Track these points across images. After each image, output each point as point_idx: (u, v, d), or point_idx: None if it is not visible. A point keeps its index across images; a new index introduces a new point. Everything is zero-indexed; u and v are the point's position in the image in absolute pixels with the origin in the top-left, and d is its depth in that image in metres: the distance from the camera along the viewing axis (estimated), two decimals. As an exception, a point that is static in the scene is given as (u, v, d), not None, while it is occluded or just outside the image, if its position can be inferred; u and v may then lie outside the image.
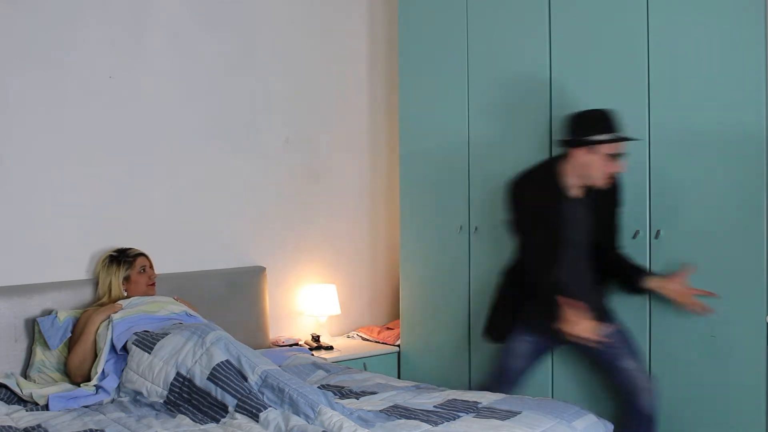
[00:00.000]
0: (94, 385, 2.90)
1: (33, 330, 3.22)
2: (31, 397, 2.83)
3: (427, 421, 2.48)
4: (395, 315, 4.46)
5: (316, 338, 4.04)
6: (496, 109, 3.64)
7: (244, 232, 4.04)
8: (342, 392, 2.92)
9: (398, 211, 4.16)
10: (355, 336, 4.34)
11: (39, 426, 2.54)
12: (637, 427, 2.87)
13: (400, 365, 4.10)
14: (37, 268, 3.35)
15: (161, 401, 2.79)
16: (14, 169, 3.31)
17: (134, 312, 3.14)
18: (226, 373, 2.72)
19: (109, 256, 3.37)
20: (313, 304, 4.17)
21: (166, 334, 2.96)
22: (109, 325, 3.06)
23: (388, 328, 4.37)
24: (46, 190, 3.39)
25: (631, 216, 3.08)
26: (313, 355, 3.68)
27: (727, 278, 2.84)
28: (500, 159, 3.61)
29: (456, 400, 2.76)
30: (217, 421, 2.59)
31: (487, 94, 3.67)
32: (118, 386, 2.92)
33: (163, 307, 3.25)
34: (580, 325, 2.79)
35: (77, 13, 3.46)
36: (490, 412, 2.58)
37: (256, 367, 2.73)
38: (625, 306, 3.08)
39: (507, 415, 2.55)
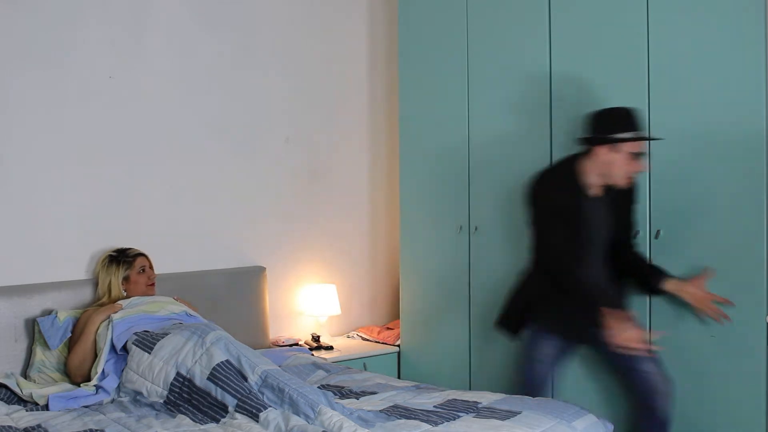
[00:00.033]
0: (94, 385, 2.90)
1: (33, 330, 3.22)
2: (31, 397, 2.83)
3: (427, 421, 2.48)
4: (395, 315, 4.46)
5: (316, 338, 4.04)
6: (496, 109, 3.64)
7: (244, 232, 4.04)
8: (342, 392, 2.91)
9: (398, 211, 4.16)
10: (355, 336, 4.34)
11: (39, 426, 2.54)
12: (650, 431, 2.85)
13: (400, 365, 4.10)
14: (37, 268, 3.35)
15: (161, 401, 2.79)
16: (14, 169, 3.31)
17: (134, 312, 3.14)
18: (226, 373, 2.72)
19: (109, 256, 3.37)
20: (313, 304, 4.17)
21: (166, 334, 2.96)
22: (109, 325, 3.06)
23: (388, 328, 4.37)
24: (46, 190, 3.39)
25: (631, 216, 3.08)
26: (313, 355, 3.68)
27: (727, 278, 2.84)
28: (500, 159, 3.62)
29: (456, 400, 2.76)
30: (217, 421, 2.59)
31: (487, 94, 3.67)
32: (118, 386, 2.92)
33: (163, 307, 3.25)
34: (627, 334, 2.72)
35: (77, 13, 3.46)
36: (490, 412, 2.58)
37: (256, 367, 2.73)
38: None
39: (507, 415, 2.55)
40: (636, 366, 2.87)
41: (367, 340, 4.26)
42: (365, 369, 3.73)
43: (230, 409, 2.61)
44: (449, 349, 3.85)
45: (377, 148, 4.62)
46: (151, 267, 3.42)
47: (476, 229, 3.72)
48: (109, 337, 3.01)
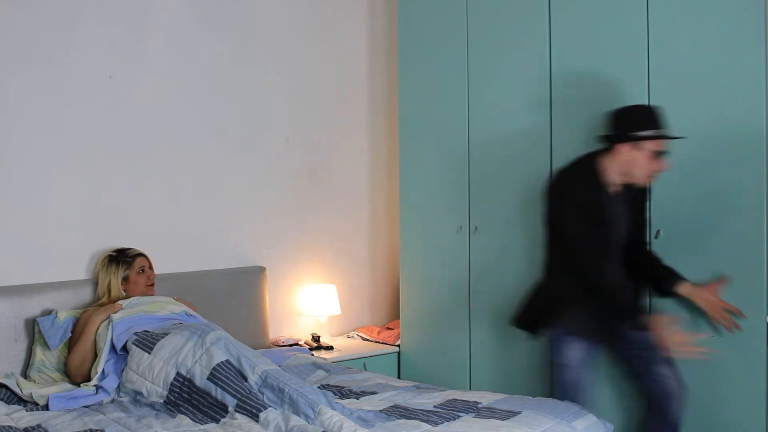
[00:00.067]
0: (94, 385, 2.90)
1: (33, 330, 3.22)
2: (31, 397, 2.83)
3: (427, 421, 2.48)
4: (395, 315, 4.46)
5: (316, 338, 4.04)
6: (496, 109, 3.64)
7: (244, 232, 4.04)
8: (342, 392, 2.92)
9: (398, 211, 4.16)
10: (355, 336, 4.34)
11: (39, 426, 2.54)
12: None
13: (400, 365, 4.10)
14: (37, 268, 3.35)
15: (161, 401, 2.79)
16: (14, 169, 3.31)
17: (134, 312, 3.14)
18: (226, 373, 2.72)
19: (109, 256, 3.37)
20: (313, 304, 4.17)
21: (166, 334, 2.96)
22: (109, 325, 3.06)
23: (388, 328, 4.37)
24: (46, 190, 3.39)
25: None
26: (313, 355, 3.68)
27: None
28: (500, 159, 3.62)
29: (456, 400, 2.76)
30: (217, 421, 2.59)
31: (487, 94, 3.67)
32: (118, 386, 2.92)
33: (163, 307, 3.25)
34: (676, 337, 2.67)
35: (77, 13, 3.46)
36: (490, 412, 2.58)
37: (256, 367, 2.73)
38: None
39: (507, 415, 2.55)
40: (653, 369, 2.84)
41: (367, 340, 4.26)
42: (365, 369, 3.73)
43: (230, 409, 2.61)
44: (449, 349, 3.85)
45: (377, 148, 4.62)
46: (150, 267, 3.42)
47: (476, 229, 3.72)
48: (109, 337, 3.01)
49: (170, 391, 2.79)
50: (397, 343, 4.13)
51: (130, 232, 3.58)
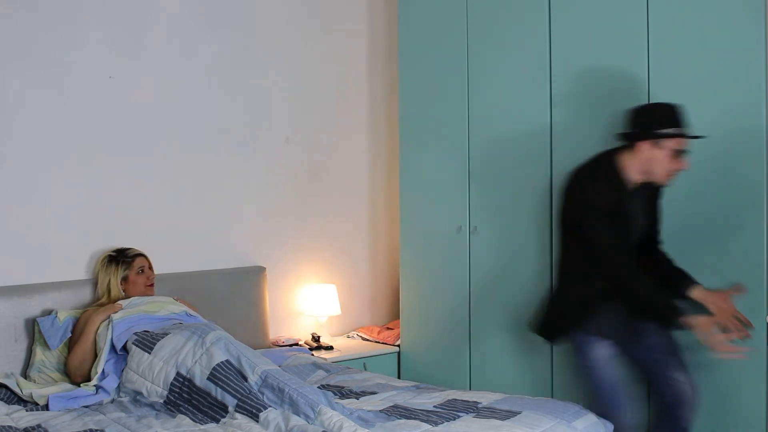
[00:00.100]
0: (94, 385, 2.90)
1: (33, 330, 3.22)
2: (31, 397, 2.83)
3: (427, 421, 2.48)
4: (395, 315, 4.46)
5: (316, 338, 4.04)
6: (495, 109, 3.64)
7: (244, 232, 4.04)
8: (342, 392, 2.91)
9: (398, 211, 4.16)
10: (355, 336, 4.34)
11: (39, 426, 2.54)
12: None
13: (400, 365, 4.10)
14: (37, 268, 3.35)
15: (161, 401, 2.79)
16: (14, 169, 3.31)
17: (134, 312, 3.14)
18: (226, 373, 2.72)
19: (108, 256, 3.37)
20: (313, 304, 4.17)
21: (166, 334, 2.96)
22: (109, 325, 3.06)
23: (388, 328, 4.37)
24: (46, 190, 3.39)
25: (631, 216, 3.07)
26: (313, 355, 3.68)
27: (727, 278, 2.84)
28: (500, 159, 3.62)
29: (456, 400, 2.76)
30: (217, 421, 2.59)
31: (487, 94, 3.67)
32: (118, 386, 2.92)
33: (163, 307, 3.25)
34: (717, 336, 2.60)
35: (77, 13, 3.46)
36: (490, 412, 2.58)
37: (256, 367, 2.73)
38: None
39: (507, 415, 2.55)
40: (668, 374, 2.82)
41: (367, 340, 4.26)
42: (365, 369, 3.73)
43: (230, 409, 2.61)
44: (449, 349, 3.85)
45: (377, 148, 4.62)
46: (150, 267, 3.42)
47: (476, 229, 3.72)
48: (109, 337, 3.01)
49: (170, 391, 2.79)
50: (397, 343, 4.13)
51: (130, 232, 3.58)
